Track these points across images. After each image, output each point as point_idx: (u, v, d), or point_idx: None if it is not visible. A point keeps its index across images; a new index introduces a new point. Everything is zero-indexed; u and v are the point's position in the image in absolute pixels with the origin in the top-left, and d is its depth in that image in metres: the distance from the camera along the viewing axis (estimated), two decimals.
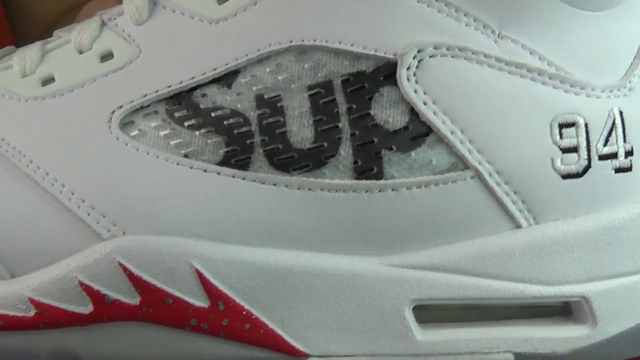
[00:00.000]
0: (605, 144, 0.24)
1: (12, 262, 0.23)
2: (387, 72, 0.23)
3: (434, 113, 0.23)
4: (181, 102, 0.23)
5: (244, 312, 0.23)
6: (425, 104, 0.22)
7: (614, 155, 0.24)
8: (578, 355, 0.24)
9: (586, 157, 0.24)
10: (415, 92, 0.22)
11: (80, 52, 0.25)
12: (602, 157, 0.24)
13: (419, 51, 0.22)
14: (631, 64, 0.24)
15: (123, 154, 0.23)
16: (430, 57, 0.22)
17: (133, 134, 0.23)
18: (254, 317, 0.23)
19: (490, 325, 0.24)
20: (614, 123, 0.24)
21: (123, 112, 0.23)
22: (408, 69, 0.22)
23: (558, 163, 0.23)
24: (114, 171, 0.23)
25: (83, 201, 0.23)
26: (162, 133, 0.23)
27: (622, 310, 0.24)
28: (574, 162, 0.23)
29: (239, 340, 0.23)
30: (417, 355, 0.23)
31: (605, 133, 0.24)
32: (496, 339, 0.24)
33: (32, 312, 0.23)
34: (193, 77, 0.23)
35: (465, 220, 0.23)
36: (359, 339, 0.23)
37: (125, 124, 0.23)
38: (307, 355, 0.23)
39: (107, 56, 0.24)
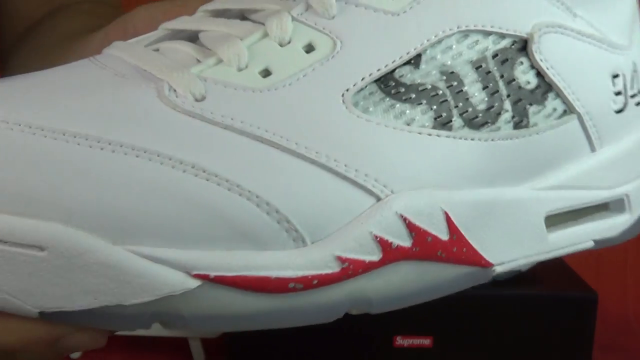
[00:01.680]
0: (631, 87, 0.34)
1: (314, 231, 0.26)
2: (521, 46, 0.30)
3: (553, 75, 0.30)
4: (389, 83, 0.28)
5: (464, 240, 0.29)
6: (547, 68, 0.30)
7: (636, 94, 0.34)
8: (623, 236, 0.35)
9: (624, 98, 0.33)
10: (541, 60, 0.30)
11: (282, 45, 0.28)
12: (631, 96, 0.34)
13: (540, 30, 0.30)
14: (631, 26, 0.34)
15: (365, 129, 0.27)
16: (545, 34, 0.30)
17: (361, 111, 0.28)
18: (469, 242, 0.29)
19: (579, 223, 0.33)
20: (634, 71, 0.34)
21: (350, 93, 0.27)
22: (535, 43, 0.30)
23: (613, 104, 0.33)
24: (366, 143, 0.27)
25: (356, 170, 0.27)
26: (383, 108, 0.28)
27: None
28: (621, 101, 0.33)
29: (457, 262, 0.29)
30: (548, 252, 0.32)
31: (629, 79, 0.34)
32: (584, 232, 0.33)
33: (338, 268, 0.27)
34: (394, 61, 0.28)
35: (572, 149, 0.32)
36: (518, 246, 0.31)
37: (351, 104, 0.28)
38: (492, 265, 0.31)
39: (309, 48, 0.28)
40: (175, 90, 0.26)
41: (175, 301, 0.25)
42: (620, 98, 0.33)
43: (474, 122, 0.29)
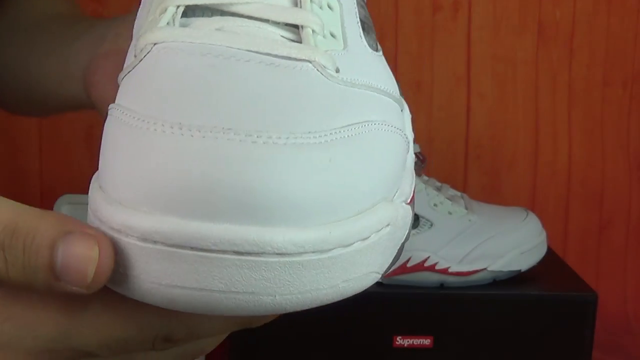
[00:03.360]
0: None
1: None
2: None
3: None
4: (362, 24, 0.32)
5: None
6: None
7: None
8: None
9: None
10: None
11: (322, 9, 0.30)
12: None
13: None
14: None
15: (383, 62, 0.32)
16: None
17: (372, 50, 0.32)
18: None
19: None
20: None
21: (363, 37, 0.31)
22: None
23: None
24: (389, 72, 0.32)
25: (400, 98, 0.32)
26: (373, 42, 0.32)
27: None
28: None
29: None
30: None
31: None
32: None
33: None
34: (356, 5, 0.32)
35: None
36: None
37: None
38: None
39: (329, 8, 0.30)
40: (325, 67, 0.28)
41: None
42: None
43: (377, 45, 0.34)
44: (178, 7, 0.29)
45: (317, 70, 0.27)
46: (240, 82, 0.26)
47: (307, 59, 0.27)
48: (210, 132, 0.23)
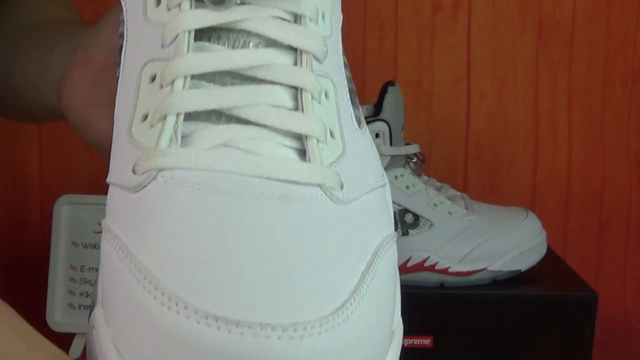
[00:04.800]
0: None
1: None
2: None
3: None
4: (350, 95, 0.32)
5: None
6: None
7: None
8: None
9: None
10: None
11: (328, 99, 0.30)
12: None
13: None
14: None
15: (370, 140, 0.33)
16: None
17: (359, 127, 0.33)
18: None
19: None
20: None
21: (355, 117, 0.32)
22: None
23: None
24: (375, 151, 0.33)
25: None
26: (362, 119, 0.33)
27: None
28: None
29: None
30: None
31: None
32: None
33: None
34: (344, 78, 0.32)
35: None
36: None
37: None
38: None
39: (326, 95, 0.30)
40: (332, 190, 0.28)
41: None
42: None
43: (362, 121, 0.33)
44: (178, 115, 0.28)
45: (326, 195, 0.27)
46: (261, 247, 0.25)
47: (316, 183, 0.27)
48: (249, 328, 0.23)
